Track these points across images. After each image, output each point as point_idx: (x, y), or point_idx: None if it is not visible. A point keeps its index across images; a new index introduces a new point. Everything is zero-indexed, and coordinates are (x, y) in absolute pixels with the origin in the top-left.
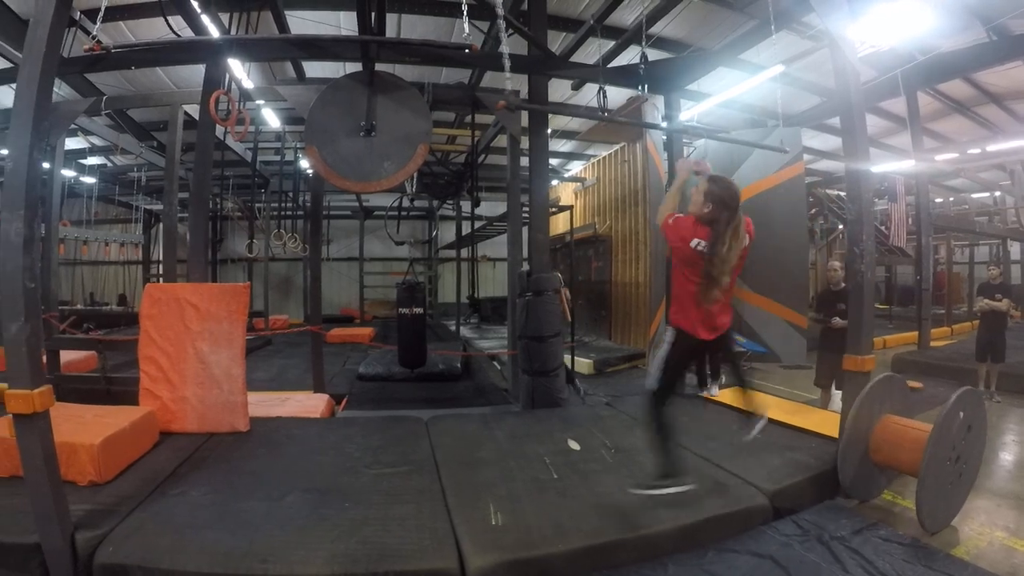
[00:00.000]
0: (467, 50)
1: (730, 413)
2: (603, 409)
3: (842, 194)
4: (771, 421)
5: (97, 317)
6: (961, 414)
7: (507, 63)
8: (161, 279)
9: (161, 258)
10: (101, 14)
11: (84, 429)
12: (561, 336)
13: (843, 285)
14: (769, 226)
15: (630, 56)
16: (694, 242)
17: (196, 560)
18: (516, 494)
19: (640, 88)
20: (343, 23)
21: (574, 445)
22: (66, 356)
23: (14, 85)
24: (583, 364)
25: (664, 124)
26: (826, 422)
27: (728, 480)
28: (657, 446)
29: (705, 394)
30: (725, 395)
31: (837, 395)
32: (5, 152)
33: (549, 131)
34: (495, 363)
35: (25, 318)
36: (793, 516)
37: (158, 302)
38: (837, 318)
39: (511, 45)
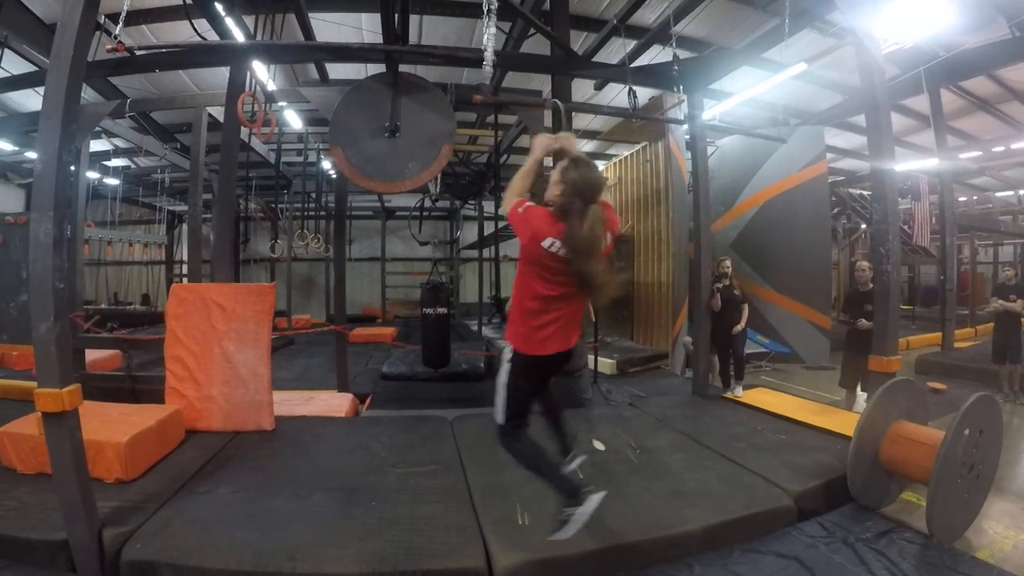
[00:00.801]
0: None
1: (754, 413)
2: (627, 410)
3: (865, 193)
4: (795, 422)
5: (121, 316)
6: (971, 425)
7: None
8: (184, 279)
9: (184, 258)
10: (123, 15)
11: (111, 427)
12: (585, 336)
13: (871, 286)
14: (792, 226)
15: (651, 56)
16: (547, 242)
17: (224, 558)
18: (541, 495)
19: (676, 89)
20: (365, 24)
21: (599, 446)
22: (91, 355)
23: (39, 89)
24: (606, 364)
25: (688, 122)
26: (850, 423)
27: (753, 481)
28: (538, 476)
29: (729, 395)
30: (749, 396)
31: (862, 397)
32: (32, 155)
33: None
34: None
35: (55, 318)
36: (818, 518)
37: (184, 302)
38: (863, 320)
39: (533, 45)
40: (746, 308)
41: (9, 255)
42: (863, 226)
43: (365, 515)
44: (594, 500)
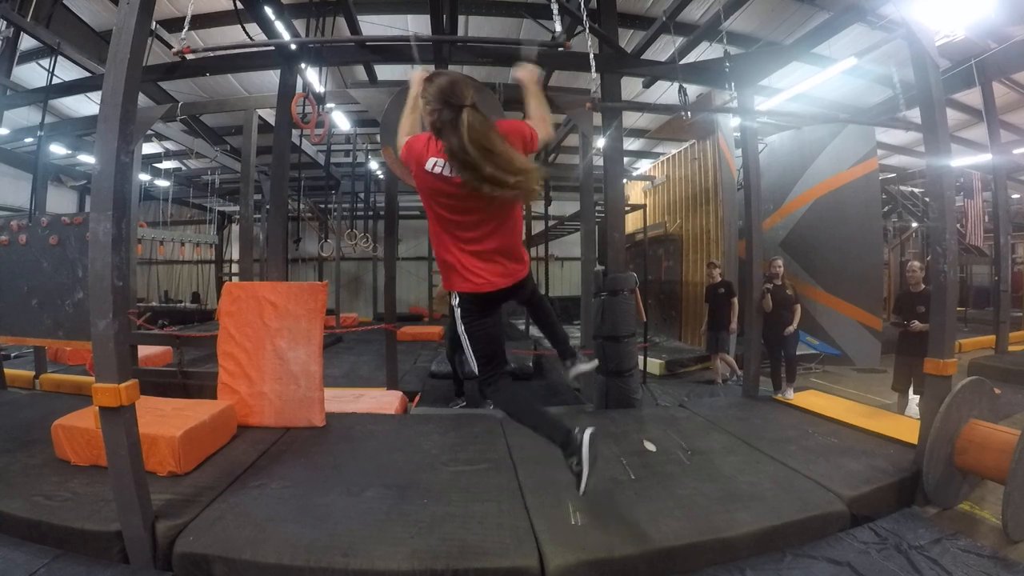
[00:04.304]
0: (560, 48)
1: (805, 416)
2: (677, 411)
3: (916, 191)
4: (847, 425)
5: (171, 314)
6: None
7: (592, 62)
8: (233, 278)
9: (233, 257)
10: (188, 19)
11: (165, 421)
12: (636, 336)
13: (923, 287)
14: (842, 224)
15: (699, 53)
16: (430, 163)
17: (277, 552)
18: (594, 494)
19: (727, 85)
20: (411, 26)
21: (650, 446)
22: (143, 351)
23: (91, 94)
24: (654, 365)
25: (739, 118)
26: (903, 428)
27: (805, 485)
28: (527, 426)
29: (779, 396)
30: (800, 398)
31: (914, 400)
32: (85, 158)
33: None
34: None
35: (113, 315)
36: (870, 523)
37: (237, 300)
38: (916, 321)
39: (579, 44)
40: (799, 309)
41: (65, 254)
42: (914, 224)
43: (418, 512)
44: (587, 437)
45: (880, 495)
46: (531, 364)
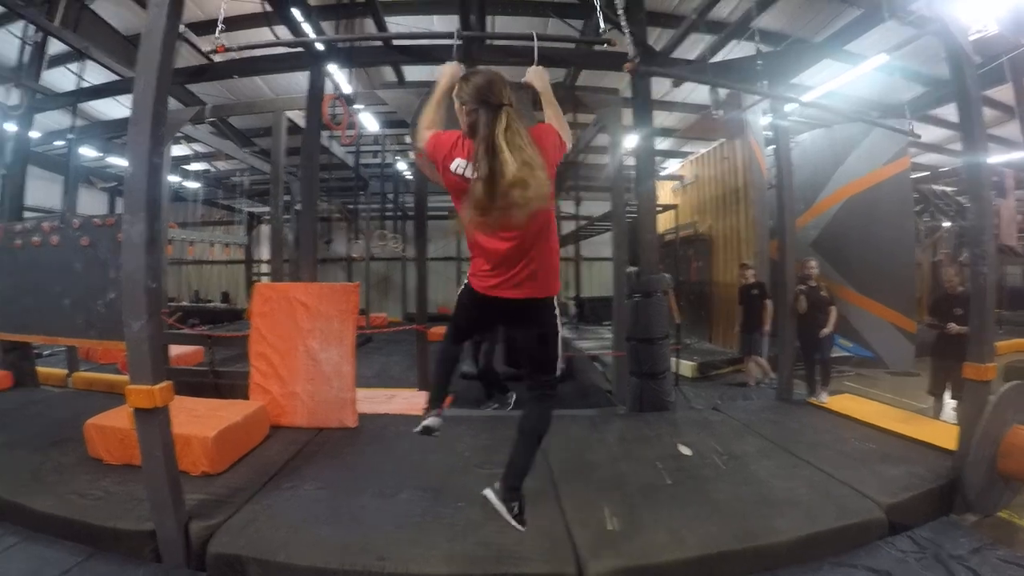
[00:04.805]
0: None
1: (840, 420)
2: (711, 414)
3: (947, 190)
4: (883, 430)
5: (202, 313)
6: None
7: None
8: (262, 278)
9: (264, 258)
10: (221, 19)
11: (198, 421)
12: (669, 338)
13: (960, 289)
14: (874, 224)
15: (728, 51)
16: (454, 164)
17: (311, 555)
18: (630, 499)
19: (764, 83)
20: (437, 26)
21: (685, 450)
22: (175, 350)
23: (120, 97)
24: (686, 367)
25: (771, 117)
26: (939, 433)
27: (842, 491)
28: (433, 375)
29: (813, 400)
30: (835, 402)
31: (950, 405)
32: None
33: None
34: (596, 364)
35: (147, 316)
36: (908, 531)
37: (269, 301)
38: (953, 324)
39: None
40: (835, 311)
41: (97, 255)
42: (945, 224)
43: (453, 516)
44: (429, 422)
45: (918, 502)
46: (563, 365)
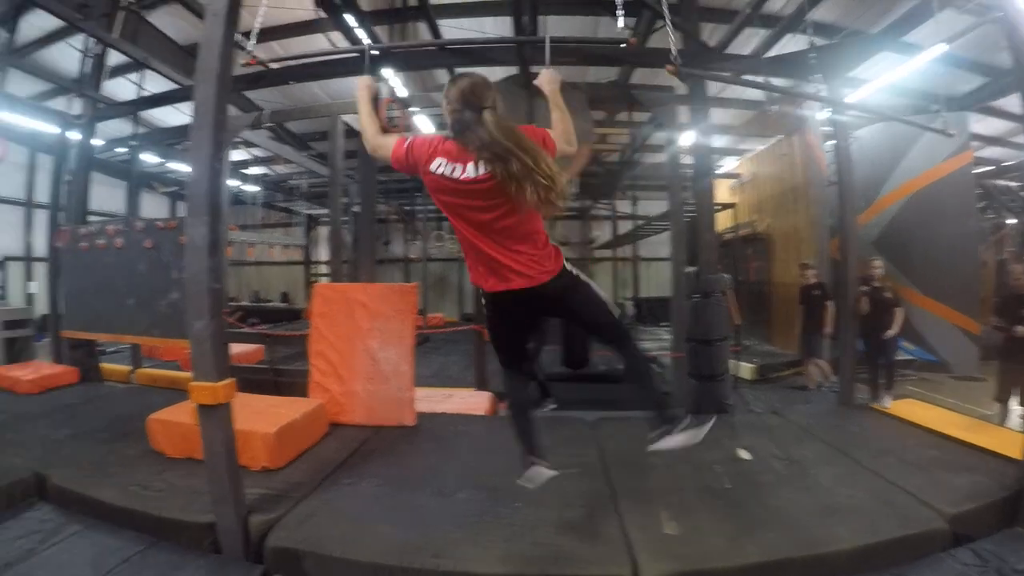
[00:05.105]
0: (624, 44)
1: (903, 426)
2: (770, 417)
3: (1012, 184)
4: (947, 437)
5: (261, 313)
6: None
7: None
8: (321, 279)
9: (323, 259)
10: (256, 31)
11: (259, 418)
12: (728, 340)
13: None
14: (937, 221)
15: (783, 45)
16: (434, 164)
17: (368, 551)
18: (688, 502)
19: (814, 78)
20: (488, 28)
21: (744, 454)
22: (235, 348)
23: (179, 105)
24: (746, 369)
25: (829, 112)
26: (1005, 441)
27: (905, 500)
28: (511, 424)
29: (875, 405)
30: (897, 407)
31: (1017, 411)
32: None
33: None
34: (654, 366)
35: (210, 316)
36: (971, 544)
37: (329, 301)
38: (1021, 327)
39: (660, 39)
40: (900, 313)
41: (160, 257)
42: (1010, 221)
43: (510, 516)
44: (536, 472)
45: (982, 513)
46: (621, 367)
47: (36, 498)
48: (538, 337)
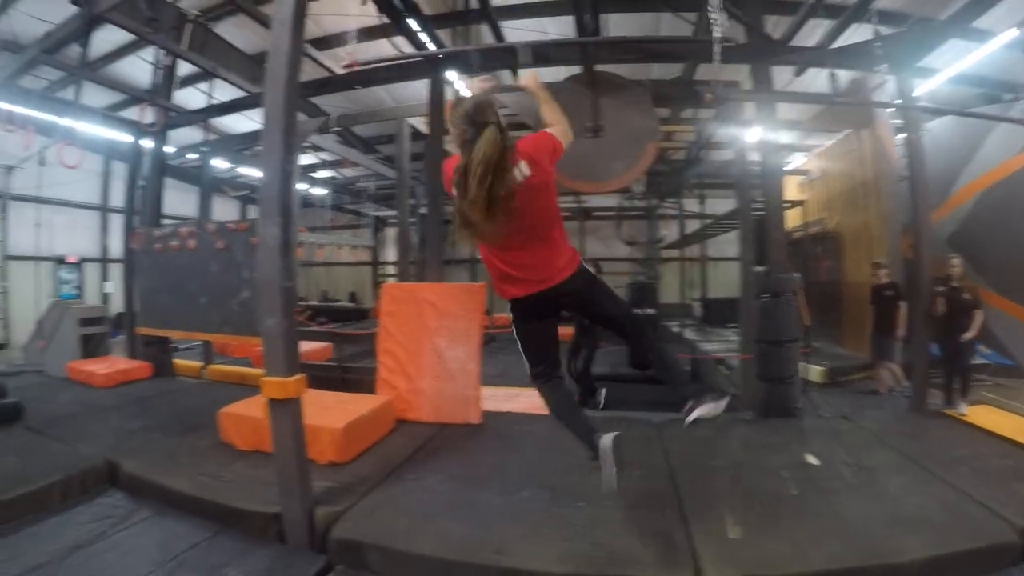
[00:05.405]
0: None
1: (978, 434)
2: (840, 423)
3: None
4: (1022, 447)
5: (330, 312)
6: None
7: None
8: (388, 279)
9: (389, 259)
10: (352, 38)
11: (327, 413)
12: (798, 341)
13: None
14: (1016, 218)
15: (849, 35)
16: (452, 182)
17: (431, 545)
18: (753, 508)
19: (881, 68)
20: (549, 28)
21: (813, 460)
22: (304, 346)
23: (247, 112)
24: (815, 372)
25: (898, 104)
26: None
27: (976, 511)
28: (567, 427)
29: (951, 412)
30: (973, 414)
31: None
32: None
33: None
34: (721, 367)
35: (282, 314)
36: None
37: (397, 300)
38: None
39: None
40: (979, 315)
41: (231, 258)
42: None
43: (572, 515)
44: (608, 441)
45: None
46: (688, 368)
47: (108, 485)
48: (588, 341)
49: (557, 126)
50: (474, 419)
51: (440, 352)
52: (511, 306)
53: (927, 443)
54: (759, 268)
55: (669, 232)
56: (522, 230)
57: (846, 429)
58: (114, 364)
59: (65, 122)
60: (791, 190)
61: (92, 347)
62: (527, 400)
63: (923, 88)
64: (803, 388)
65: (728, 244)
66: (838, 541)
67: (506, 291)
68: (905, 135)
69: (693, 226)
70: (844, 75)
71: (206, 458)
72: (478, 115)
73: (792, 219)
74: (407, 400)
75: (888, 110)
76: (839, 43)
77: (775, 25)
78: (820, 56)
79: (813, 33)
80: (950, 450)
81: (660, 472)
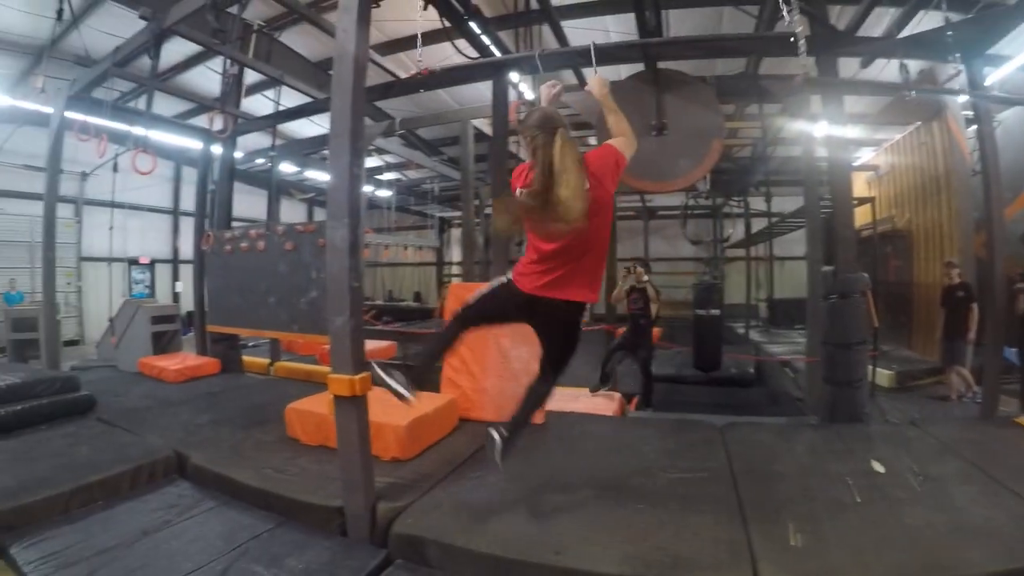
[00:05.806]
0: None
1: None
2: (908, 429)
3: None
4: None
5: (395, 311)
6: None
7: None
8: (453, 279)
9: (454, 260)
10: (419, 47)
11: (390, 410)
12: (866, 344)
13: None
14: None
15: (916, 24)
16: (519, 192)
17: (490, 542)
18: (815, 514)
19: (952, 57)
20: (611, 26)
21: (878, 467)
22: (369, 344)
23: (313, 118)
24: (883, 376)
25: (970, 95)
26: None
27: None
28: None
29: (1020, 420)
30: None
31: None
32: (310, 174)
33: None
34: (787, 370)
35: (350, 313)
36: None
37: (462, 300)
38: None
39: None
40: None
41: (300, 258)
42: None
43: (632, 517)
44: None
45: None
46: (752, 371)
47: (176, 475)
48: (645, 342)
49: (621, 137)
50: (537, 419)
51: (505, 352)
52: (516, 291)
53: (997, 452)
54: (827, 268)
55: (735, 231)
56: (568, 243)
57: (914, 436)
58: (184, 360)
59: (137, 130)
60: (859, 186)
61: (163, 344)
62: (590, 401)
63: (994, 76)
64: (871, 393)
65: (795, 243)
66: (901, 552)
67: (523, 284)
68: (976, 127)
69: (759, 224)
70: (912, 66)
71: (271, 452)
72: (548, 123)
73: (860, 217)
74: (471, 399)
75: (958, 100)
76: (906, 32)
77: (839, 15)
78: (889, 46)
79: (879, 22)
80: (1022, 460)
81: (723, 476)
